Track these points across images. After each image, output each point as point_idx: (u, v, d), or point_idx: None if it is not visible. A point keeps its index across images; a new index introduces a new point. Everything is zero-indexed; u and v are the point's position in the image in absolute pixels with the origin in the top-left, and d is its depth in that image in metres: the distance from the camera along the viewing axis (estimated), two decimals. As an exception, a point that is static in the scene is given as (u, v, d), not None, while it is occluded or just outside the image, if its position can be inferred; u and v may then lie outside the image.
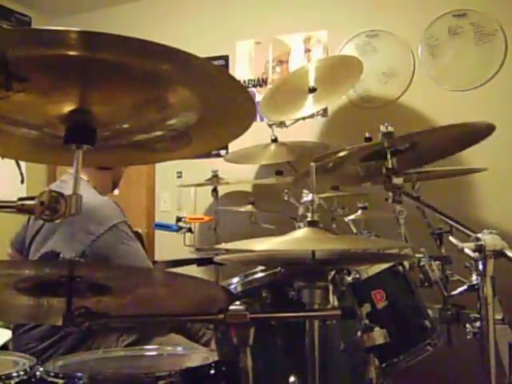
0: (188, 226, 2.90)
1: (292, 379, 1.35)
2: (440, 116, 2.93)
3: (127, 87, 0.90)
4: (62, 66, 0.81)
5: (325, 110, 3.19)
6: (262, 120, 3.05)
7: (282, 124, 2.86)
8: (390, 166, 1.53)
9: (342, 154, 1.57)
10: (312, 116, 3.10)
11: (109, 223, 1.84)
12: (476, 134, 1.64)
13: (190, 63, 0.83)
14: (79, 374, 1.27)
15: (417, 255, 1.71)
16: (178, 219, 2.91)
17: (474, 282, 1.33)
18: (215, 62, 3.30)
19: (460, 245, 1.28)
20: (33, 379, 1.28)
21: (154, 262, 2.60)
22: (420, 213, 1.89)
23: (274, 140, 2.86)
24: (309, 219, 1.25)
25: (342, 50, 3.16)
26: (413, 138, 1.55)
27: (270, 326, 1.38)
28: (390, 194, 1.55)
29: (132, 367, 1.48)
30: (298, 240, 1.23)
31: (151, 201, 3.58)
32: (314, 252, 1.25)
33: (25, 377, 1.27)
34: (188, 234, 2.91)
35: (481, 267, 1.23)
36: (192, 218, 3.02)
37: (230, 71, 3.33)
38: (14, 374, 1.26)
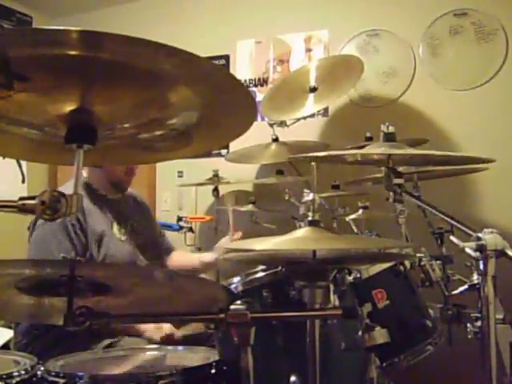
0: (189, 225, 2.90)
1: (293, 379, 1.35)
2: (441, 115, 2.93)
3: (128, 87, 0.89)
4: (63, 66, 0.80)
5: (326, 110, 3.19)
6: (262, 119, 3.05)
7: (282, 123, 2.85)
8: (390, 165, 1.52)
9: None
10: (313, 115, 3.10)
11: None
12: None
13: (191, 63, 0.83)
14: (80, 374, 1.28)
15: (418, 255, 1.71)
16: (179, 219, 2.91)
17: (475, 282, 1.33)
18: (216, 62, 3.30)
19: (461, 244, 1.27)
20: (34, 378, 1.28)
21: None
22: (421, 212, 1.89)
23: (275, 139, 2.86)
24: (310, 219, 1.25)
25: (342, 49, 3.16)
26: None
27: (270, 326, 1.38)
28: (391, 193, 1.54)
29: (132, 367, 1.48)
30: (298, 239, 1.23)
31: (152, 200, 3.57)
32: (314, 251, 1.25)
33: (26, 376, 1.27)
34: (189, 234, 2.92)
35: (482, 267, 1.23)
36: (193, 218, 3.03)
37: (231, 71, 3.33)
38: (15, 374, 1.26)
